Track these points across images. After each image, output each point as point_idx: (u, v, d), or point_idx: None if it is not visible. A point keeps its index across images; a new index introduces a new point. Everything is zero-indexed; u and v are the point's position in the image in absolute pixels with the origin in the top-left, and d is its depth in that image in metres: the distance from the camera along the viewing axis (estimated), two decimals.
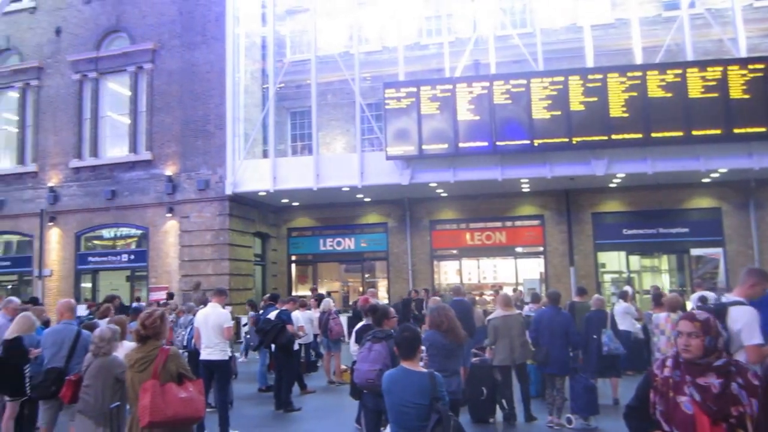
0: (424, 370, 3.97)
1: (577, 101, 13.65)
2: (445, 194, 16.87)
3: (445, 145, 14.21)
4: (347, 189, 15.59)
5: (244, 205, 16.71)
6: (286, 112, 18.36)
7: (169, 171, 16.49)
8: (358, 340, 6.94)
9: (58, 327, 6.72)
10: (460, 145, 14.12)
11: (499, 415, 7.97)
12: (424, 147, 14.26)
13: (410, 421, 3.73)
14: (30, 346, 7.26)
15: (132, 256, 17.11)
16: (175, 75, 16.79)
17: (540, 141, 13.81)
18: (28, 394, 7.39)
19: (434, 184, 15.43)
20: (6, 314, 9.00)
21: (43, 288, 17.03)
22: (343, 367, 11.10)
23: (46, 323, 9.18)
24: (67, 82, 17.70)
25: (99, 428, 5.45)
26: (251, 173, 15.81)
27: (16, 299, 9.66)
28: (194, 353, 8.34)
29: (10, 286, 18.75)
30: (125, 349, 6.41)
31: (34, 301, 12.36)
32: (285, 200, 17.44)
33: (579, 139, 13.60)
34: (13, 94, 18.54)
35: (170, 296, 14.62)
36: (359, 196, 16.72)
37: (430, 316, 5.65)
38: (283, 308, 9.94)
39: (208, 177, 16.16)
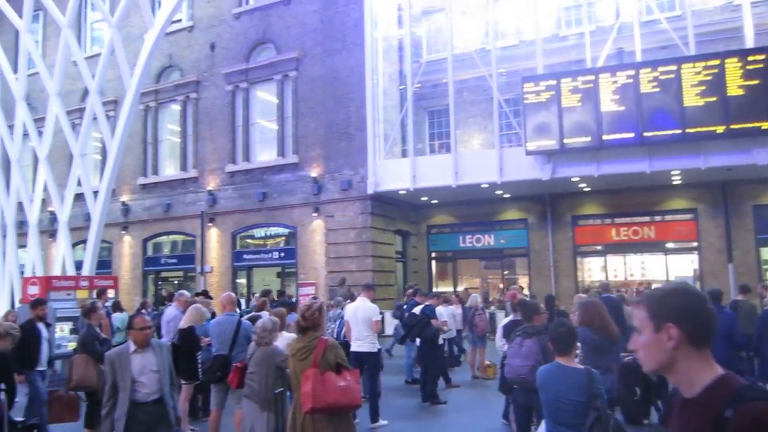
0: (580, 366, 4.06)
1: (735, 85, 13.29)
2: (588, 188, 17.01)
3: (588, 138, 14.44)
4: (486, 186, 16.28)
5: (385, 204, 17.97)
6: (423, 112, 19.41)
7: (314, 173, 18.17)
8: (505, 336, 7.22)
9: (222, 318, 7.77)
10: (604, 137, 14.28)
11: (654, 416, 7.96)
12: (565, 141, 14.59)
13: (567, 418, 3.81)
14: (201, 334, 8.66)
15: (282, 254, 19.03)
16: (318, 81, 18.42)
17: (692, 130, 13.60)
18: (200, 378, 8.79)
19: (576, 179, 15.68)
20: (178, 306, 10.66)
21: (205, 283, 19.35)
22: (487, 362, 11.75)
23: (212, 315, 10.72)
24: (221, 93, 20.03)
25: (264, 412, 6.01)
26: (391, 173, 17.00)
27: (186, 292, 11.32)
28: (344, 345, 9.44)
29: (176, 282, 21.50)
30: (284, 339, 7.43)
31: (205, 294, 14.35)
32: (424, 198, 18.48)
33: (738, 126, 13.24)
34: (175, 107, 21.28)
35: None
36: (498, 192, 17.34)
37: (581, 312, 5.76)
38: (427, 303, 10.77)
39: (350, 177, 17.61)
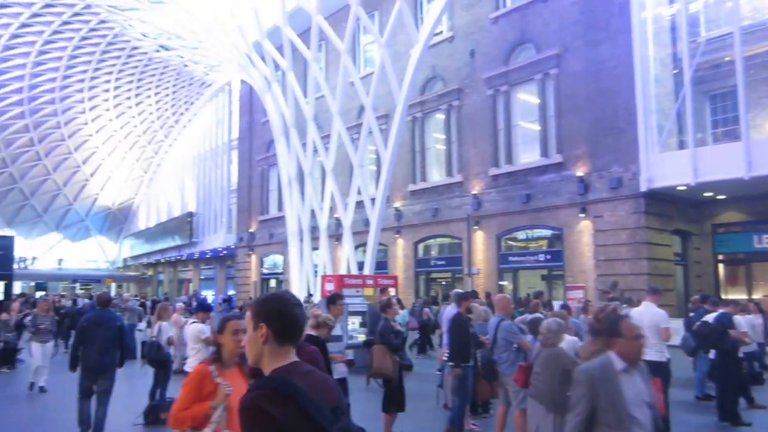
0: None
1: None
2: None
3: None
4: None
5: (660, 202, 16.44)
6: (703, 97, 17.29)
7: (579, 172, 17.41)
8: None
9: (493, 319, 7.95)
10: None
11: None
12: None
13: None
14: (481, 334, 8.84)
15: (548, 256, 18.63)
16: (580, 76, 17.63)
17: None
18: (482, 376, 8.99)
19: None
20: (456, 305, 11.05)
21: (472, 285, 19.88)
22: None
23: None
24: (482, 98, 20.39)
25: (550, 414, 5.86)
26: (667, 167, 15.48)
27: (461, 291, 11.74)
28: None
29: (444, 283, 22.51)
30: (569, 342, 7.18)
31: (474, 295, 14.75)
32: (708, 193, 16.45)
33: None
34: (440, 116, 22.31)
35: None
36: None
37: None
38: (722, 311, 9.59)
39: (620, 175, 16.48)
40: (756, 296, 15.86)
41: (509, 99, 19.82)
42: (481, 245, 20.18)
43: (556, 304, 13.28)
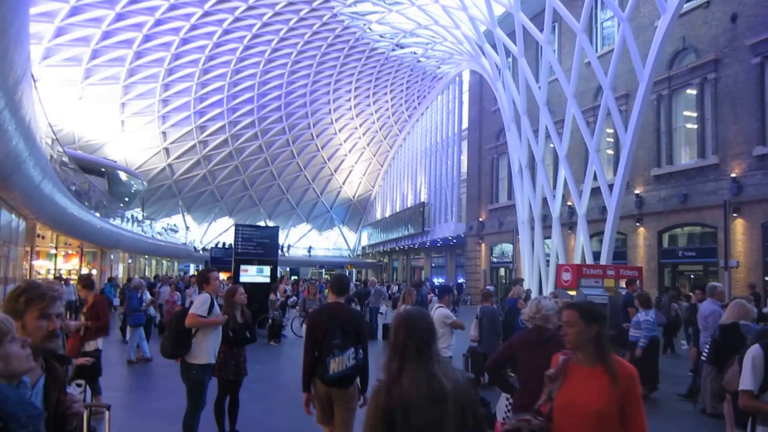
0: None
1: None
2: None
3: None
4: None
5: None
6: None
7: None
8: None
9: None
10: None
11: None
12: None
13: None
14: (746, 333, 7.64)
15: None
16: None
17: None
18: None
19: None
20: (714, 300, 9.83)
21: (730, 279, 17.54)
22: None
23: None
24: (746, 68, 17.74)
25: None
26: None
27: (719, 285, 10.49)
28: None
29: (693, 276, 20.20)
30: None
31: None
32: None
33: None
34: (691, 91, 19.96)
35: None
36: None
37: None
38: None
39: None
40: None
41: None
42: (740, 235, 17.64)
43: None
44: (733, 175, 17.80)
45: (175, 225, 49.18)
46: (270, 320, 17.02)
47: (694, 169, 19.33)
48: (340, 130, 52.09)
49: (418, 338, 2.64)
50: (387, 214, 55.34)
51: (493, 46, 25.20)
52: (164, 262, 51.59)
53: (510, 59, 26.31)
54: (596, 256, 19.19)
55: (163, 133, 44.87)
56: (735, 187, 17.62)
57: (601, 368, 2.97)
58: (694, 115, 19.73)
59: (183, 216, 54.56)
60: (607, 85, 17.90)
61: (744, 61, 17.77)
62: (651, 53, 16.22)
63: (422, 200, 45.22)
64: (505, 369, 4.69)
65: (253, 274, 18.74)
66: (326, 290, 18.99)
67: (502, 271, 32.76)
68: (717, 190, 18.27)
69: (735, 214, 17.61)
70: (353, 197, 61.79)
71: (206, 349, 6.21)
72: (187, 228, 53.97)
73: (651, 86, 16.72)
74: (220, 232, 54.94)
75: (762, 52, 17.21)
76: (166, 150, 46.59)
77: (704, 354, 8.88)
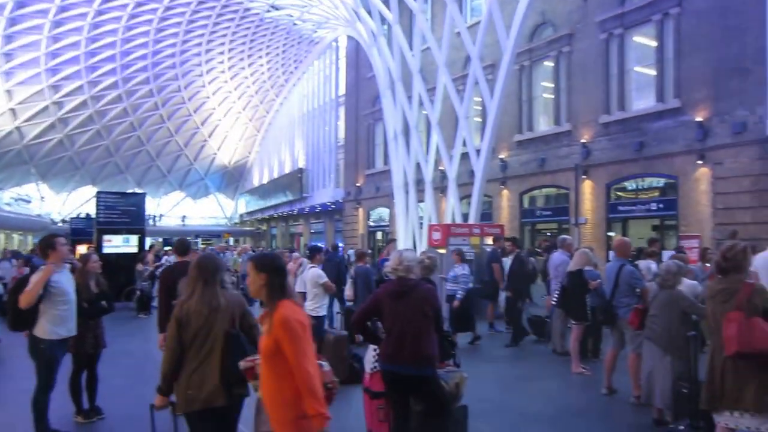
0: None
1: None
2: None
3: None
4: None
5: None
6: None
7: (699, 117, 16.55)
8: None
9: (611, 264, 7.88)
10: None
11: None
12: None
13: None
14: (590, 278, 8.89)
15: (660, 205, 17.99)
16: (704, 14, 16.58)
17: None
18: (589, 320, 9.08)
19: None
20: (565, 251, 11.17)
21: (579, 235, 19.66)
22: None
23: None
24: (594, 43, 19.66)
25: (666, 356, 6.06)
26: None
27: (570, 237, 11.86)
28: None
29: (549, 233, 22.32)
30: (686, 286, 7.13)
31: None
32: None
33: None
34: (548, 63, 21.77)
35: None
36: None
37: None
38: None
39: (744, 119, 15.51)
40: None
41: (623, 43, 18.99)
42: (589, 195, 19.79)
43: (666, 254, 12.95)
44: (583, 141, 19.82)
45: (27, 195, 45.62)
46: (138, 292, 16.71)
47: (551, 135, 21.26)
48: (213, 94, 50.46)
49: (205, 273, 3.92)
50: (265, 181, 54.79)
51: (369, 12, 25.68)
52: (15, 236, 47.73)
53: (385, 26, 26.95)
54: (466, 217, 20.60)
55: (8, 91, 41.16)
56: (584, 152, 19.65)
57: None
58: (551, 85, 21.60)
59: (37, 185, 50.68)
60: (475, 55, 19.06)
61: (593, 36, 19.68)
62: (514, 26, 17.47)
63: (300, 166, 45.31)
64: (372, 321, 5.01)
65: (118, 244, 18.23)
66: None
67: (379, 235, 33.93)
68: (569, 155, 20.25)
69: (584, 176, 19.65)
70: (229, 164, 60.36)
71: (55, 321, 5.81)
72: (42, 198, 50.26)
73: (514, 57, 18.04)
74: (83, 202, 51.72)
75: (608, 29, 19.15)
76: (13, 111, 42.81)
77: (554, 299, 10.11)
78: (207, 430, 3.80)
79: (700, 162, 16.48)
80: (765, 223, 14.96)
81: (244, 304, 4.11)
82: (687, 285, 7.12)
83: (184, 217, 59.36)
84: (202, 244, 52.47)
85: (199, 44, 42.93)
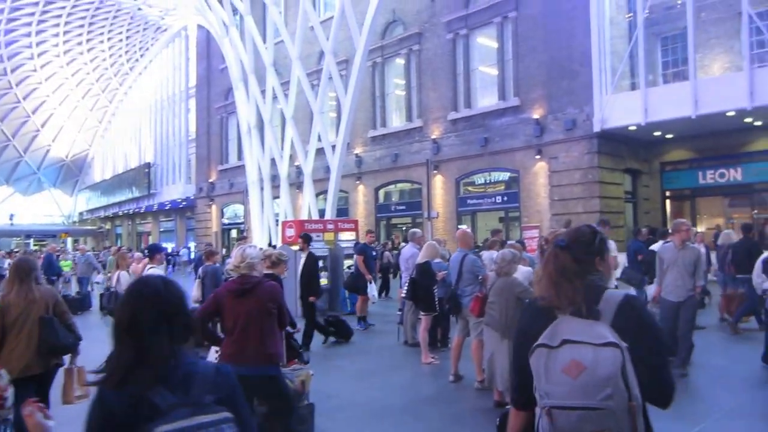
0: None
1: None
2: None
3: None
4: (732, 114, 14.59)
5: (612, 142, 17.11)
6: (655, 39, 17.85)
7: (536, 114, 17.93)
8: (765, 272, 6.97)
9: (455, 255, 8.35)
10: None
11: None
12: None
13: None
14: (437, 270, 9.30)
15: (505, 198, 19.27)
16: (539, 19, 17.95)
17: None
18: (437, 310, 9.49)
19: None
20: (415, 244, 11.56)
21: (432, 228, 20.50)
22: None
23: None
24: (442, 43, 20.57)
25: (504, 340, 6.31)
26: (619, 108, 16.06)
27: (419, 231, 12.29)
28: None
29: (404, 228, 23.04)
30: (522, 272, 7.70)
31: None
32: (657, 133, 17.16)
33: None
34: (400, 61, 22.42)
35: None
36: (747, 120, 15.40)
37: None
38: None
39: (574, 116, 17.05)
40: (700, 229, 16.86)
41: (468, 43, 20.07)
42: (440, 189, 20.70)
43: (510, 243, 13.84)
44: (433, 137, 20.68)
45: None
46: None
47: (403, 131, 21.94)
48: (47, 79, 46.09)
49: (22, 273, 4.81)
50: (108, 176, 51.13)
51: (220, 1, 24.82)
52: None
53: (237, 17, 26.19)
54: (323, 213, 20.63)
55: None
56: (435, 148, 20.51)
57: None
58: (403, 82, 22.29)
59: None
60: (328, 50, 19.13)
61: (441, 36, 20.57)
62: (366, 22, 17.77)
63: (148, 161, 42.84)
64: (213, 322, 4.85)
65: None
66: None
67: (234, 233, 33.04)
68: (421, 150, 21.03)
69: (435, 171, 20.51)
70: (66, 157, 55.53)
71: None
72: None
73: (367, 54, 18.36)
74: None
75: (454, 29, 20.12)
76: None
77: (404, 292, 10.39)
78: (28, 391, 4.40)
79: (538, 157, 17.84)
80: (594, 212, 16.52)
81: (57, 295, 5.21)
82: (522, 272, 7.62)
83: (12, 215, 53.72)
84: (35, 245, 47.77)
85: (29, 24, 39.03)
